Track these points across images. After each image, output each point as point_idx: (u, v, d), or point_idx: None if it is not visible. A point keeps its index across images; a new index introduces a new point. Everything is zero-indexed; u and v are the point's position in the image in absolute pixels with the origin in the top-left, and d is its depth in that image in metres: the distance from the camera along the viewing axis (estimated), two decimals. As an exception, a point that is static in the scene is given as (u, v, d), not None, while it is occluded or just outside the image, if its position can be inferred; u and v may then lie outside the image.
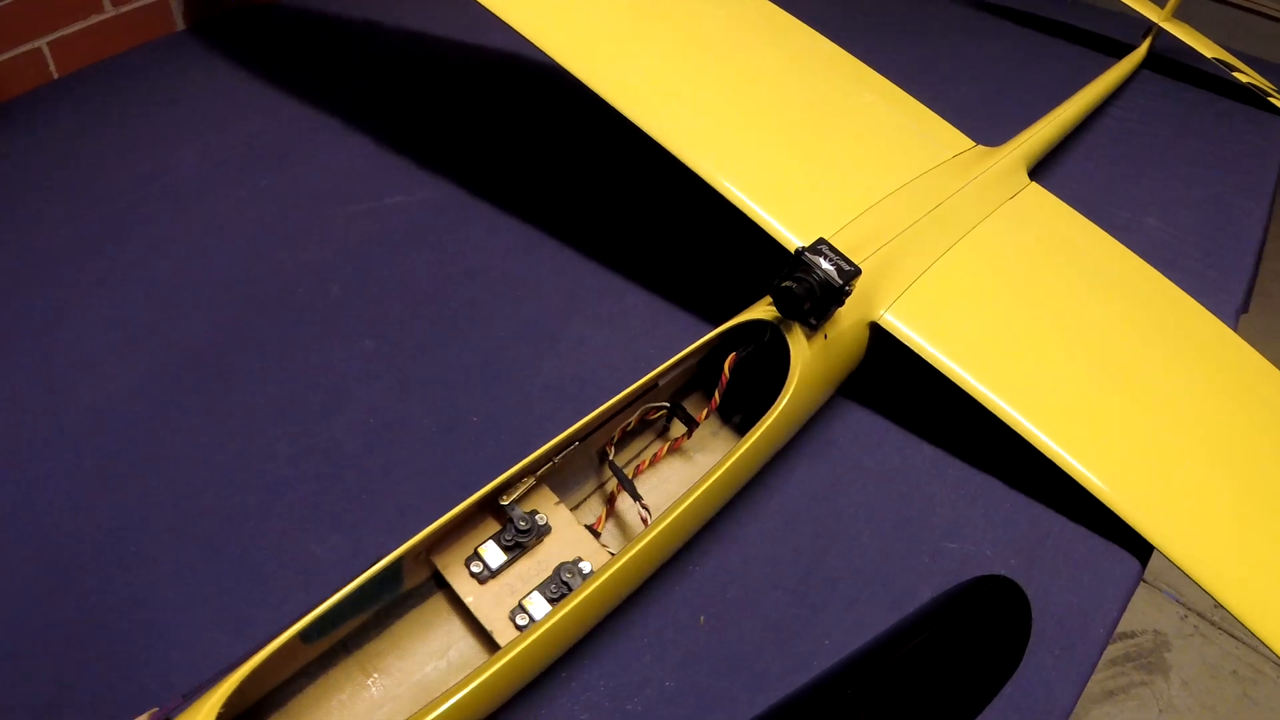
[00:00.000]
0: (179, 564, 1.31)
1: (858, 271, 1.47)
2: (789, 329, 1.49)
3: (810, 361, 1.50)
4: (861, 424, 1.71)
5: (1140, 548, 1.55)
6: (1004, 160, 2.01)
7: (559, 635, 1.09)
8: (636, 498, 1.36)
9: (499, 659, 1.00)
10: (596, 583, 1.10)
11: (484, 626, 1.14)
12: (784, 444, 1.60)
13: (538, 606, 1.16)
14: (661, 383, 1.54)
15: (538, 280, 1.91)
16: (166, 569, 1.30)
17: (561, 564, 1.22)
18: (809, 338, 1.51)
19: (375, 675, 1.11)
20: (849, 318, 1.58)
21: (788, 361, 1.48)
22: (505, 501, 1.22)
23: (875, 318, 1.62)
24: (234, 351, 1.60)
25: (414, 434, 1.52)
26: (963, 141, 2.04)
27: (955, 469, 1.65)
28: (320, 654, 1.09)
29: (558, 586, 1.19)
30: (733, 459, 1.36)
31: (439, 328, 1.69)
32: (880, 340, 1.64)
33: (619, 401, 1.41)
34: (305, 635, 1.00)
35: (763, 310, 1.52)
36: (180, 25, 2.58)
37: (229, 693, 0.89)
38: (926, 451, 1.67)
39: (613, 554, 1.22)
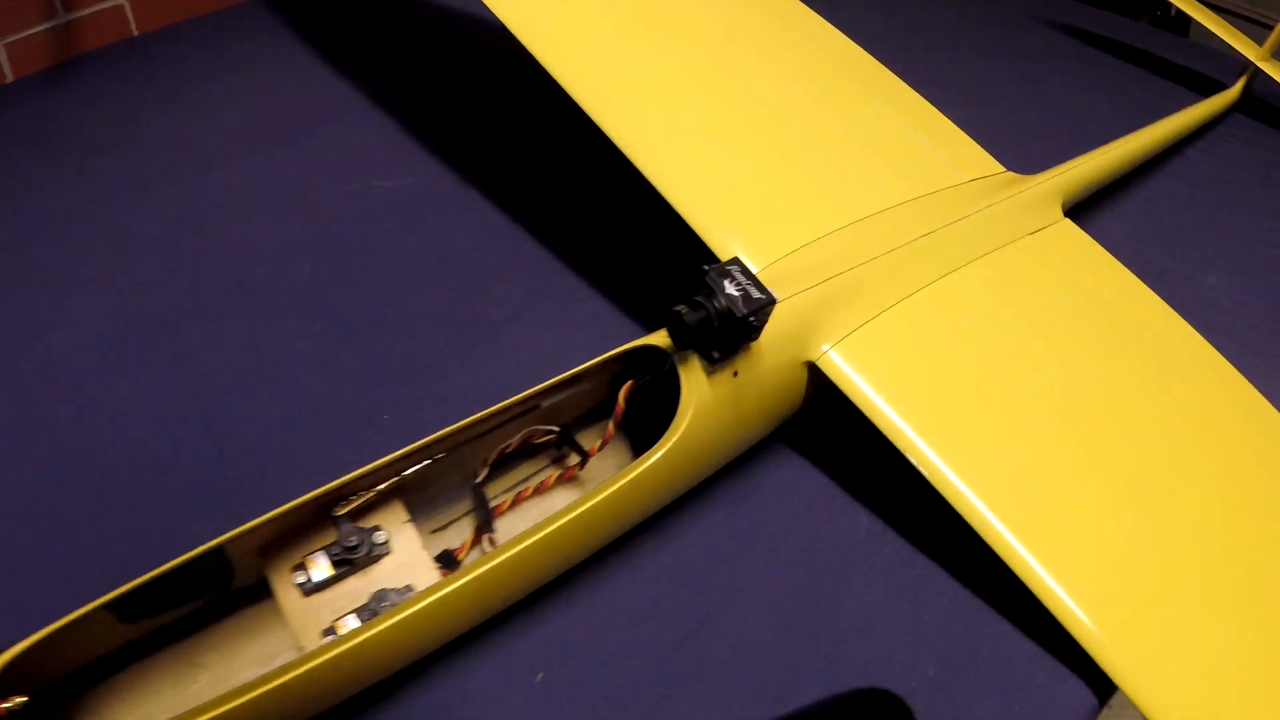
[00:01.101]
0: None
1: (770, 301, 0.98)
2: (683, 361, 1.00)
3: (710, 402, 1.02)
4: (795, 477, 1.21)
5: (1101, 682, 1.01)
6: (1033, 189, 1.46)
7: (356, 662, 0.87)
8: (485, 527, 1.08)
9: (275, 678, 0.81)
10: (401, 615, 0.88)
11: (298, 640, 0.95)
12: (683, 490, 1.11)
13: (350, 631, 0.90)
14: (545, 404, 1.09)
15: (499, 276, 1.53)
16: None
17: (384, 590, 0.99)
18: (709, 373, 1.01)
19: (200, 669, 0.95)
20: (776, 354, 1.09)
21: None
22: (339, 513, 1.01)
23: (813, 357, 1.10)
24: (192, 318, 1.39)
25: (325, 425, 1.26)
26: (989, 164, 1.49)
27: (892, 547, 1.14)
28: (144, 637, 0.93)
29: (371, 615, 0.96)
30: (591, 501, 0.99)
31: (390, 317, 1.42)
32: (823, 382, 1.15)
33: (483, 419, 1.07)
34: (122, 614, 0.88)
35: (663, 337, 1.03)
36: None
37: (13, 656, 0.80)
38: (863, 521, 1.16)
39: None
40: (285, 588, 0.97)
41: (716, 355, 1.05)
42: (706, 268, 1.02)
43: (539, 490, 1.16)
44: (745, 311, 0.99)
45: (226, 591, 0.97)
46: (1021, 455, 1.13)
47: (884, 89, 1.57)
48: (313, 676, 0.83)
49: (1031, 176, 1.55)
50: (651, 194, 1.28)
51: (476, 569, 0.91)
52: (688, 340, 1.01)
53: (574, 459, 1.18)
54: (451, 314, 1.42)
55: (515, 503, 1.15)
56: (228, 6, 2.26)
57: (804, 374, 1.16)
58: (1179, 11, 2.26)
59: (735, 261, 1.03)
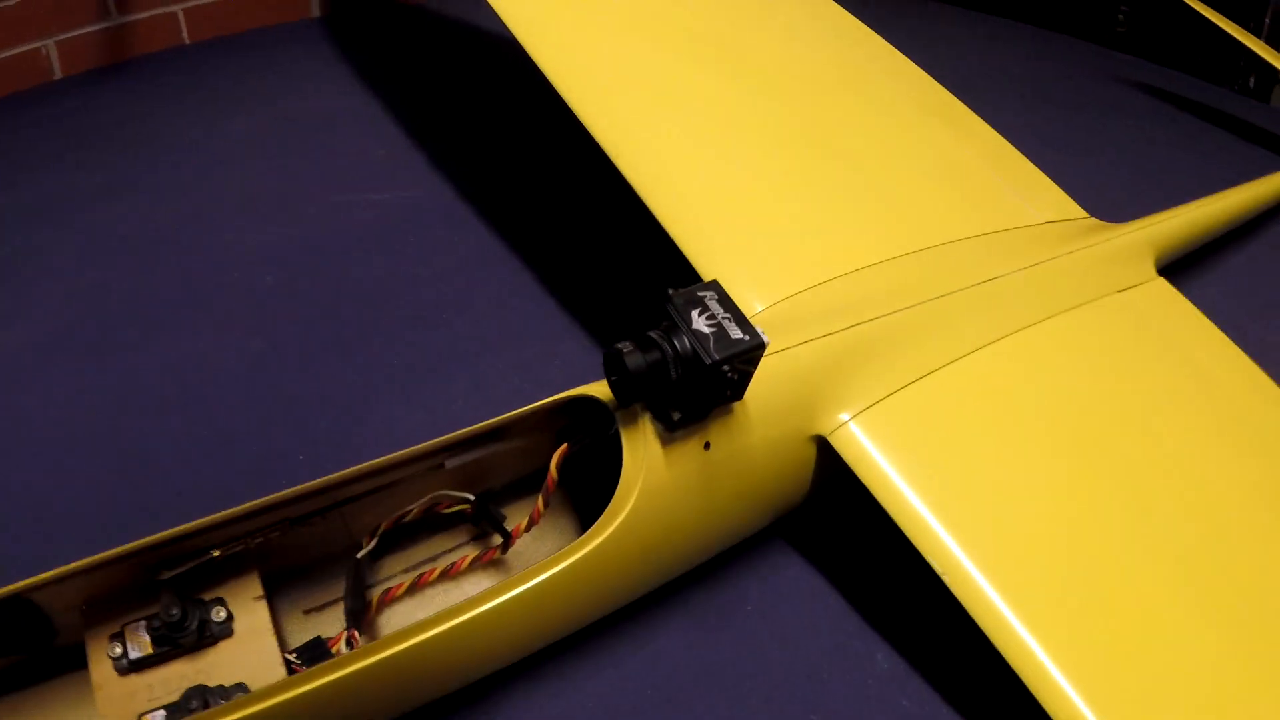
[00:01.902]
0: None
1: (757, 345, 0.56)
2: (630, 422, 0.58)
3: (667, 482, 0.62)
4: (794, 589, 0.80)
5: None
6: (1123, 239, 1.02)
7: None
8: (354, 615, 0.73)
9: None
10: None
11: None
12: (627, 596, 0.70)
13: None
14: (452, 463, 0.67)
15: (475, 302, 1.20)
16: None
17: (202, 687, 0.67)
18: (666, 442, 0.59)
19: None
20: (771, 423, 0.67)
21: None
22: (164, 577, 0.69)
23: (825, 430, 0.67)
24: (133, 326, 1.15)
25: (237, 457, 0.98)
26: (1070, 208, 1.05)
27: (915, 697, 0.69)
28: None
29: (182, 715, 0.65)
30: (483, 605, 0.63)
31: (343, 339, 1.14)
32: (837, 464, 0.69)
33: (364, 475, 0.72)
34: None
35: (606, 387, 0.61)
36: (316, 12, 2.04)
37: None
38: (880, 658, 0.72)
39: None
40: (100, 659, 0.69)
41: (677, 417, 0.63)
42: (671, 291, 0.60)
43: (448, 574, 0.76)
44: (717, 358, 0.58)
45: (47, 649, 0.71)
46: (1094, 579, 0.71)
47: (951, 116, 1.15)
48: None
49: (1120, 225, 1.10)
50: (659, 228, 0.87)
51: (322, 675, 0.60)
52: (632, 393, 0.60)
53: (498, 539, 0.77)
54: (411, 340, 1.13)
55: (415, 587, 0.76)
56: (282, 22, 2.01)
57: (811, 452, 0.73)
58: (1258, 81, 1.82)
59: (713, 286, 0.61)
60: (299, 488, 0.70)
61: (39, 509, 0.92)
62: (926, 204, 0.97)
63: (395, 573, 0.80)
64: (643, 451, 0.64)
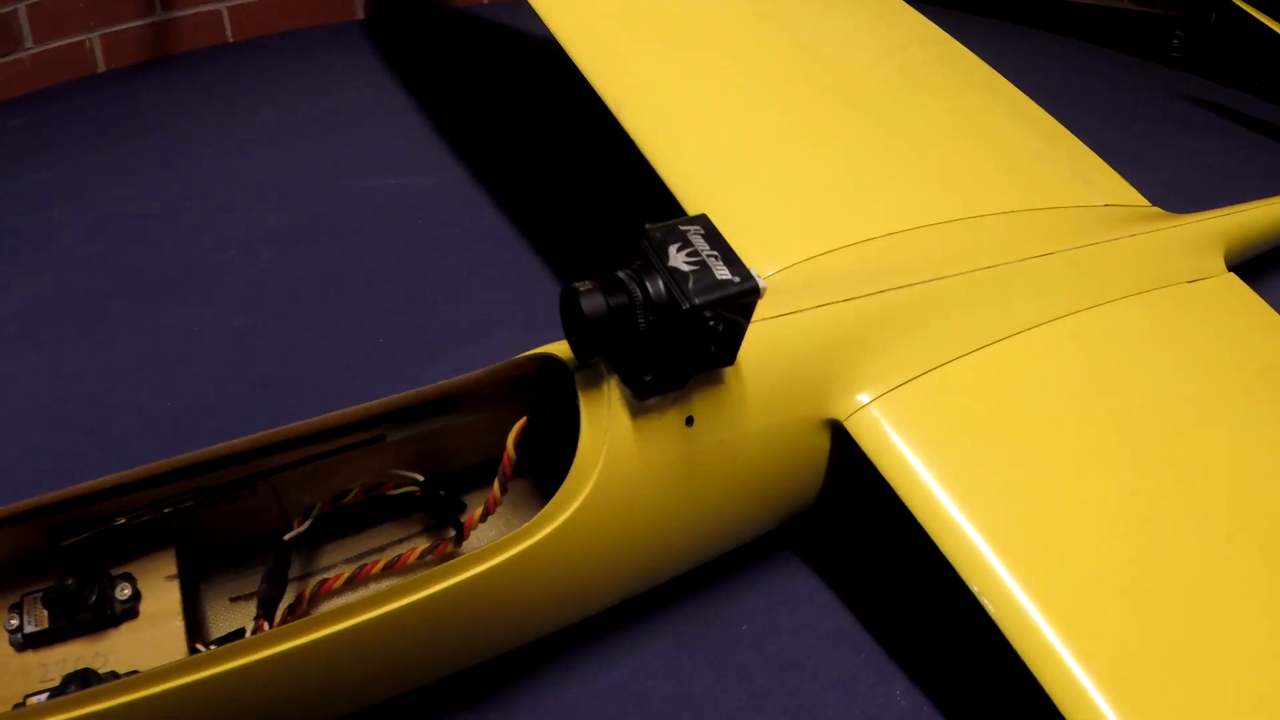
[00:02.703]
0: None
1: (751, 290, 0.38)
2: (590, 385, 0.41)
3: (636, 462, 0.43)
4: (799, 605, 0.60)
5: None
6: (1190, 228, 0.85)
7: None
8: (268, 605, 0.59)
9: None
10: (79, 710, 0.45)
11: None
12: (599, 603, 0.54)
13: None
14: (397, 437, 0.50)
15: (476, 287, 1.06)
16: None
17: (86, 671, 0.57)
18: (636, 412, 0.42)
19: None
20: (774, 402, 0.49)
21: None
22: (64, 544, 0.58)
23: (841, 414, 0.49)
24: (127, 295, 1.06)
25: (195, 434, 0.84)
26: (1130, 194, 0.87)
27: None
28: None
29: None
30: (404, 599, 0.48)
31: (323, 320, 1.02)
32: (856, 456, 0.51)
33: (287, 440, 0.58)
34: None
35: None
36: (360, 14, 1.94)
37: None
38: (898, 697, 0.52)
39: None
40: None
41: (649, 380, 0.46)
42: (648, 225, 0.44)
43: (394, 567, 0.61)
44: (697, 302, 0.41)
45: None
46: (1146, 600, 0.52)
47: (1006, 97, 0.98)
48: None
49: (1186, 215, 0.92)
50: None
51: (211, 665, 0.48)
52: (593, 347, 0.44)
53: (451, 530, 0.61)
54: (404, 322, 1.01)
55: (356, 579, 0.62)
56: (325, 23, 1.91)
57: (823, 440, 0.56)
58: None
59: (700, 220, 0.45)
60: (216, 449, 0.56)
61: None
62: (975, 175, 0.80)
63: (335, 563, 0.65)
64: (605, 422, 0.48)
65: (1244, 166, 1.50)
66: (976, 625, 0.53)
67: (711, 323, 0.45)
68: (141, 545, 0.61)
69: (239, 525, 0.64)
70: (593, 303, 0.44)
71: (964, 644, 0.59)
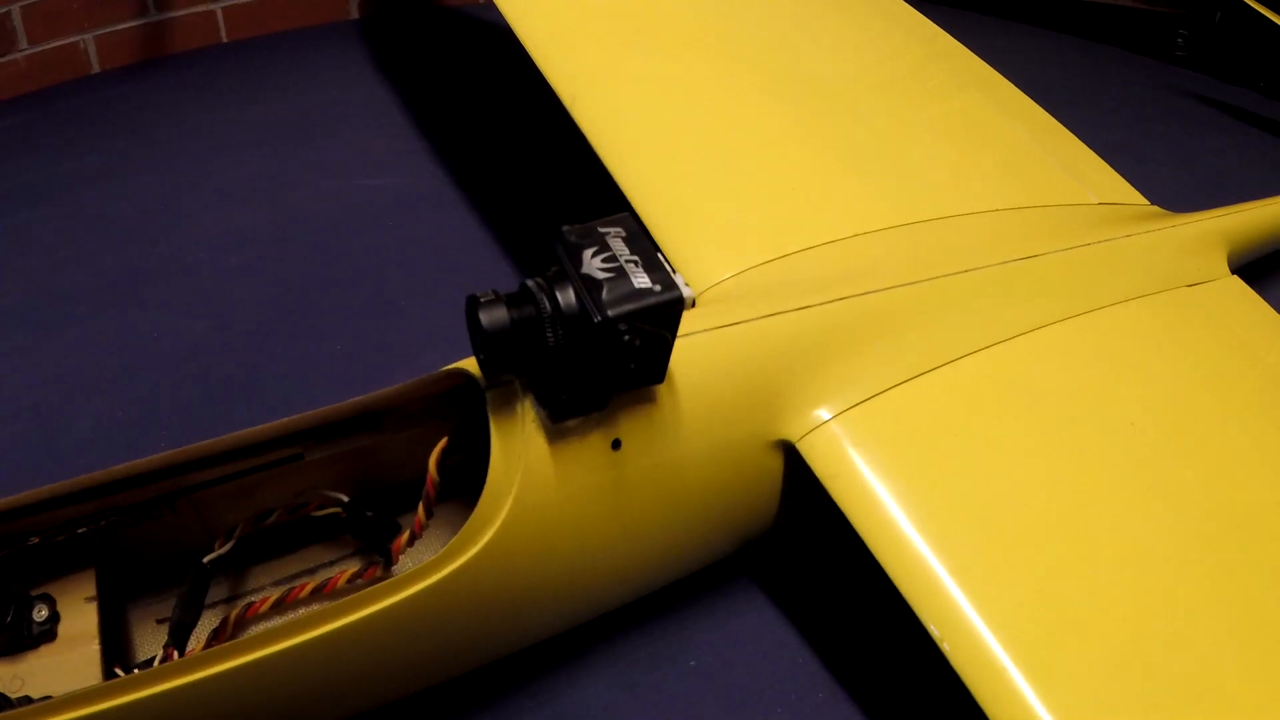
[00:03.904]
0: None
1: (674, 300, 0.31)
2: (501, 404, 0.34)
3: (552, 488, 0.35)
4: (756, 640, 0.52)
5: None
6: (1191, 228, 0.77)
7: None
8: (177, 636, 0.54)
9: None
10: None
11: None
12: (520, 639, 0.46)
13: None
14: (316, 456, 0.44)
15: (444, 291, 0.99)
16: None
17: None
18: (553, 436, 0.35)
19: None
20: (712, 421, 0.41)
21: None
22: None
23: (794, 434, 0.42)
24: (94, 297, 1.02)
25: (147, 441, 0.82)
26: (1126, 192, 0.79)
27: None
28: None
29: None
30: (317, 628, 0.42)
31: (286, 325, 0.97)
32: (808, 481, 0.44)
33: (206, 457, 0.53)
34: None
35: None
36: (355, 14, 1.89)
37: None
38: None
39: None
40: None
41: (564, 398, 0.40)
42: (565, 228, 0.37)
43: (323, 591, 0.55)
44: (611, 314, 0.34)
45: None
46: (1132, 643, 0.44)
47: (996, 92, 0.91)
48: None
49: (1186, 214, 0.84)
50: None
51: (125, 692, 0.43)
52: (498, 363, 0.37)
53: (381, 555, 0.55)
54: (370, 327, 0.96)
55: (283, 603, 0.58)
56: (321, 23, 1.87)
57: (774, 462, 0.50)
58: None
59: (623, 220, 0.39)
60: (129, 465, 0.51)
61: None
62: (959, 172, 0.73)
63: (263, 585, 0.60)
64: (520, 445, 0.42)
65: (1249, 166, 1.41)
66: (942, 663, 0.46)
67: (627, 337, 0.39)
68: (62, 565, 0.56)
69: (163, 545, 0.59)
70: (493, 316, 0.38)
71: (929, 683, 0.52)
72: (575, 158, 1.28)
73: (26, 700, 0.51)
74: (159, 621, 0.61)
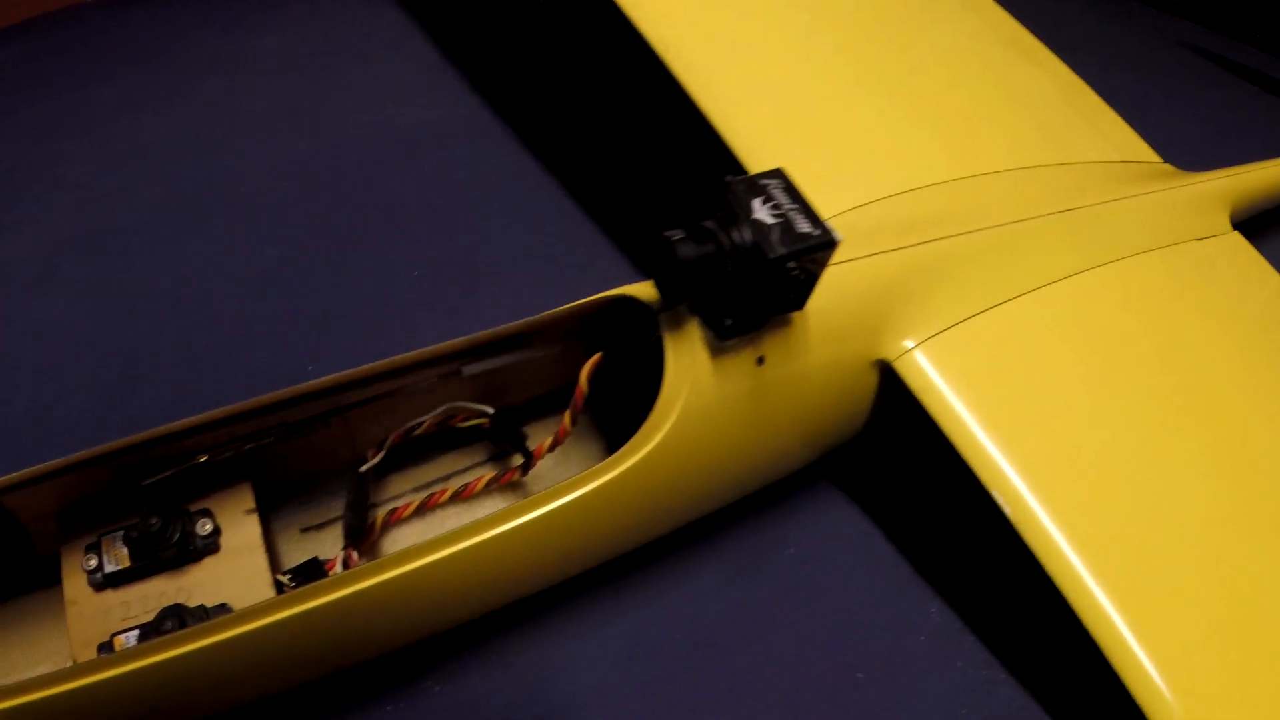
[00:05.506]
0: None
1: (829, 242, 0.43)
2: (675, 327, 0.47)
3: (713, 398, 0.50)
4: (839, 531, 0.68)
5: None
6: (1200, 186, 0.91)
7: (122, 704, 0.49)
8: (354, 534, 0.63)
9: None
10: (180, 649, 0.49)
11: (72, 649, 0.57)
12: (664, 527, 0.60)
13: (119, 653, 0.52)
14: (470, 371, 0.58)
15: (503, 219, 1.06)
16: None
17: (178, 606, 0.58)
18: (716, 352, 0.47)
19: None
20: (832, 342, 0.55)
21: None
22: (145, 484, 0.60)
23: (890, 355, 0.55)
24: (142, 233, 1.04)
25: (243, 367, 0.87)
26: (1142, 151, 0.93)
27: (970, 658, 0.58)
28: None
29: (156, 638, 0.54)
30: (501, 525, 0.52)
31: (361, 250, 1.02)
32: (900, 394, 0.58)
33: (371, 377, 0.62)
34: None
35: (651, 288, 0.50)
36: None
37: None
38: (934, 613, 0.60)
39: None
40: (73, 572, 0.60)
41: (729, 323, 0.52)
42: (729, 179, 0.49)
43: (461, 496, 0.66)
44: (783, 252, 0.47)
45: (23, 559, 0.62)
46: (1164, 528, 0.61)
47: (1026, 48, 1.02)
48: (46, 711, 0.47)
49: (1195, 173, 0.98)
50: (697, 147, 0.75)
51: (313, 597, 0.51)
52: (681, 291, 0.49)
53: (518, 459, 0.66)
54: (436, 253, 1.01)
55: (425, 508, 0.68)
56: None
57: (871, 379, 0.63)
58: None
59: (777, 174, 0.50)
60: (297, 388, 0.60)
61: (34, 418, 0.83)
62: (1001, 128, 0.85)
63: (403, 492, 0.71)
64: (688, 362, 0.54)
65: (1244, 120, 1.54)
66: (999, 552, 0.60)
67: (794, 272, 0.51)
68: (217, 482, 0.63)
69: (310, 459, 0.67)
70: (686, 250, 0.49)
71: (989, 568, 0.66)
72: (610, 82, 1.34)
73: (203, 609, 0.58)
74: (303, 530, 0.70)
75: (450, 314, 0.95)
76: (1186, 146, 1.36)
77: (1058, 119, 0.93)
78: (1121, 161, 0.94)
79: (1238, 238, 0.96)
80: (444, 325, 0.92)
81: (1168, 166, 1.00)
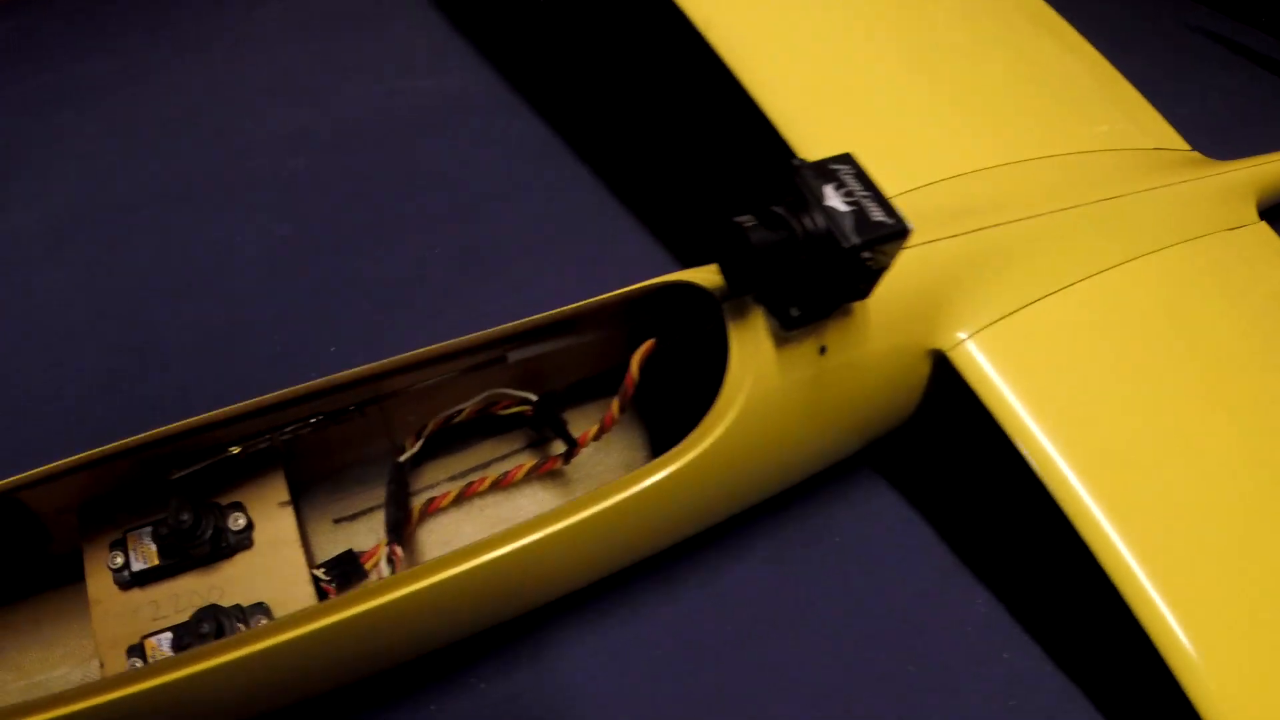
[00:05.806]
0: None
1: (901, 230, 0.42)
2: (739, 315, 0.46)
3: (777, 388, 0.50)
4: (887, 520, 0.69)
5: None
6: (1229, 176, 0.91)
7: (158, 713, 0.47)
8: (396, 529, 0.60)
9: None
10: (223, 657, 0.47)
11: (98, 651, 0.55)
12: (723, 515, 0.59)
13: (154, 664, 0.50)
14: (515, 356, 0.56)
15: (523, 194, 1.04)
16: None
17: (215, 607, 0.56)
18: (780, 341, 0.47)
19: None
20: (891, 332, 0.54)
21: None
22: (175, 477, 0.58)
23: (945, 344, 0.55)
24: (148, 209, 1.02)
25: (249, 349, 0.86)
26: (1172, 138, 0.93)
27: (1016, 649, 0.60)
28: None
29: (192, 640, 0.54)
30: (560, 522, 0.51)
31: (377, 228, 1.00)
32: (951, 383, 0.56)
33: (414, 363, 0.59)
34: None
35: (712, 273, 0.48)
36: None
37: None
38: (979, 603, 0.60)
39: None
40: (98, 570, 0.58)
41: (796, 313, 0.51)
42: (796, 162, 0.48)
43: (500, 484, 0.65)
44: (857, 241, 0.46)
45: (41, 556, 0.60)
46: (1217, 521, 0.62)
47: (1059, 33, 1.02)
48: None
49: (1223, 163, 0.98)
50: (728, 127, 0.74)
51: (363, 601, 0.49)
52: (750, 280, 0.49)
53: (559, 446, 0.66)
54: (456, 232, 0.99)
55: (463, 497, 0.66)
56: None
57: (925, 368, 0.62)
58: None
59: (846, 159, 0.50)
60: (336, 376, 0.59)
61: (42, 403, 0.81)
62: (1038, 113, 0.85)
63: (439, 480, 0.70)
64: (752, 350, 0.53)
65: (1260, 106, 1.54)
66: (1045, 543, 0.60)
67: (868, 260, 0.50)
68: (247, 473, 0.61)
69: (344, 448, 0.66)
70: (760, 236, 0.49)
71: (1034, 560, 0.67)
72: (650, 64, 1.31)
73: (239, 609, 0.56)
74: (336, 521, 0.68)
75: (469, 290, 0.93)
76: (1205, 134, 1.37)
77: (1094, 105, 0.93)
78: (1155, 149, 0.94)
79: (1265, 228, 0.96)
80: (463, 302, 0.91)
81: (1196, 154, 1.00)
